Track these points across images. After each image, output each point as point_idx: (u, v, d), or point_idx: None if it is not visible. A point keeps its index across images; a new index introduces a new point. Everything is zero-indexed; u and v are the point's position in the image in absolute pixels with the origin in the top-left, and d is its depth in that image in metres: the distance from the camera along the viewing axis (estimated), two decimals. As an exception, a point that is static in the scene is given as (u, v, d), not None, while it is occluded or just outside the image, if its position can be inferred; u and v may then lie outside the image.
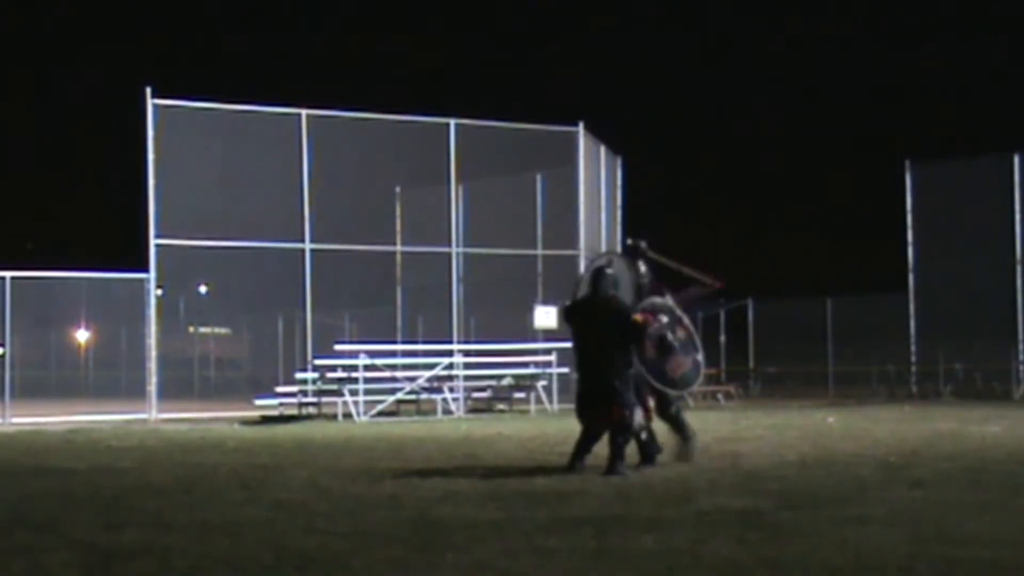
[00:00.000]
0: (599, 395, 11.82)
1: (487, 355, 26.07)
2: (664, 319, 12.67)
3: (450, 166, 27.33)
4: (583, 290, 12.58)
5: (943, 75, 75.42)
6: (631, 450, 11.77)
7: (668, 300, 12.90)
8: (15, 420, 22.61)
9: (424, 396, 24.30)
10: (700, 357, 12.78)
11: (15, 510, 9.25)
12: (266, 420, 22.92)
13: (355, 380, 23.13)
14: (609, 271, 12.36)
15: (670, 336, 12.57)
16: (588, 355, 12.06)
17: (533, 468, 12.00)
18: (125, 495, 10.13)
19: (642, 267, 12.95)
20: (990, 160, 32.64)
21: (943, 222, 32.72)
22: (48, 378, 46.13)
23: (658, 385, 12.42)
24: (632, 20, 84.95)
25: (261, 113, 26.21)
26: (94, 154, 73.44)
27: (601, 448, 11.68)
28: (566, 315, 12.63)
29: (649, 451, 12.19)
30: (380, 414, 23.10)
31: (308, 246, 25.76)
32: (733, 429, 18.03)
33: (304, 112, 26.13)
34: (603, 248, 30.41)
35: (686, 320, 12.85)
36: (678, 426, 12.60)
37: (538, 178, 29.82)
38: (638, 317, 12.12)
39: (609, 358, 11.84)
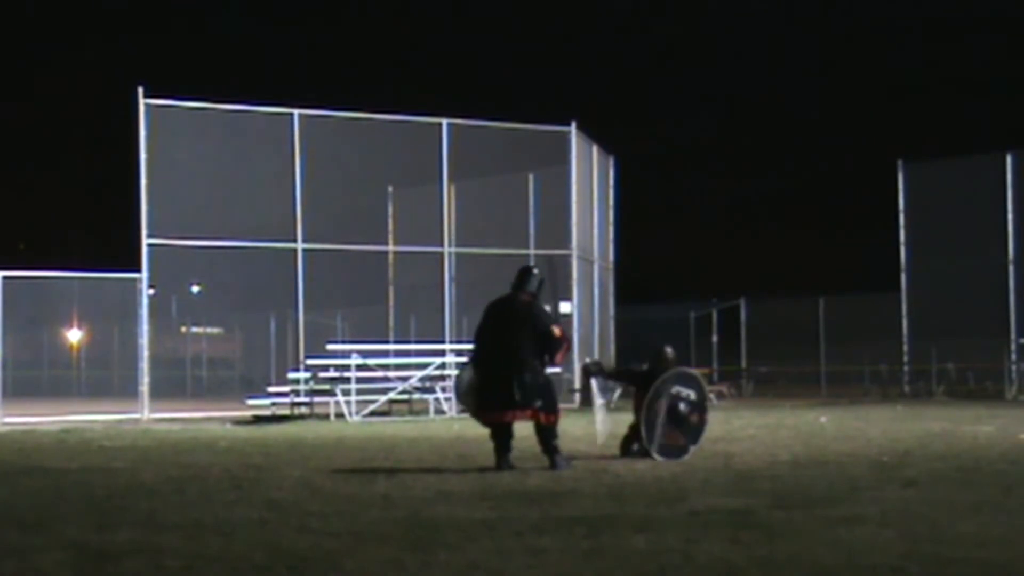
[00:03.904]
0: (501, 390, 12.04)
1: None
2: (692, 396, 12.87)
3: (443, 166, 27.32)
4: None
5: (936, 75, 75.56)
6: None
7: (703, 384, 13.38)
8: (7, 420, 22.57)
9: (416, 396, 24.29)
10: (693, 448, 12.95)
11: (6, 510, 9.22)
12: (258, 420, 22.91)
13: (347, 380, 23.10)
14: (535, 271, 12.69)
15: (683, 408, 12.88)
16: (492, 349, 12.23)
17: (525, 468, 11.99)
18: (117, 495, 10.11)
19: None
20: (982, 160, 32.70)
21: (936, 222, 32.77)
22: (40, 378, 46.12)
23: (644, 433, 12.79)
24: (626, 20, 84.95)
25: (253, 113, 26.19)
26: (86, 154, 73.42)
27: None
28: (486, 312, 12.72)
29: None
30: (372, 414, 23.07)
31: (300, 246, 25.74)
32: (726, 429, 18.03)
33: (296, 112, 26.12)
34: (596, 248, 30.45)
35: (708, 414, 13.20)
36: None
37: (531, 178, 29.82)
38: (558, 330, 12.28)
39: (522, 356, 12.05)
